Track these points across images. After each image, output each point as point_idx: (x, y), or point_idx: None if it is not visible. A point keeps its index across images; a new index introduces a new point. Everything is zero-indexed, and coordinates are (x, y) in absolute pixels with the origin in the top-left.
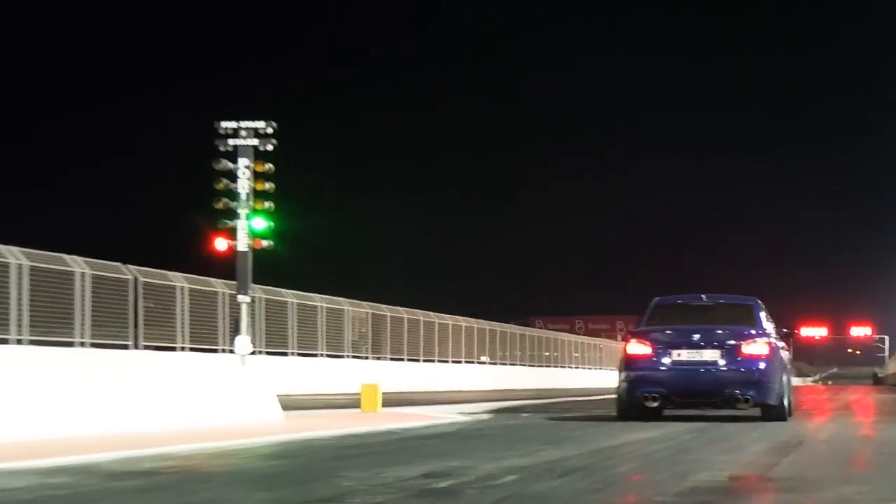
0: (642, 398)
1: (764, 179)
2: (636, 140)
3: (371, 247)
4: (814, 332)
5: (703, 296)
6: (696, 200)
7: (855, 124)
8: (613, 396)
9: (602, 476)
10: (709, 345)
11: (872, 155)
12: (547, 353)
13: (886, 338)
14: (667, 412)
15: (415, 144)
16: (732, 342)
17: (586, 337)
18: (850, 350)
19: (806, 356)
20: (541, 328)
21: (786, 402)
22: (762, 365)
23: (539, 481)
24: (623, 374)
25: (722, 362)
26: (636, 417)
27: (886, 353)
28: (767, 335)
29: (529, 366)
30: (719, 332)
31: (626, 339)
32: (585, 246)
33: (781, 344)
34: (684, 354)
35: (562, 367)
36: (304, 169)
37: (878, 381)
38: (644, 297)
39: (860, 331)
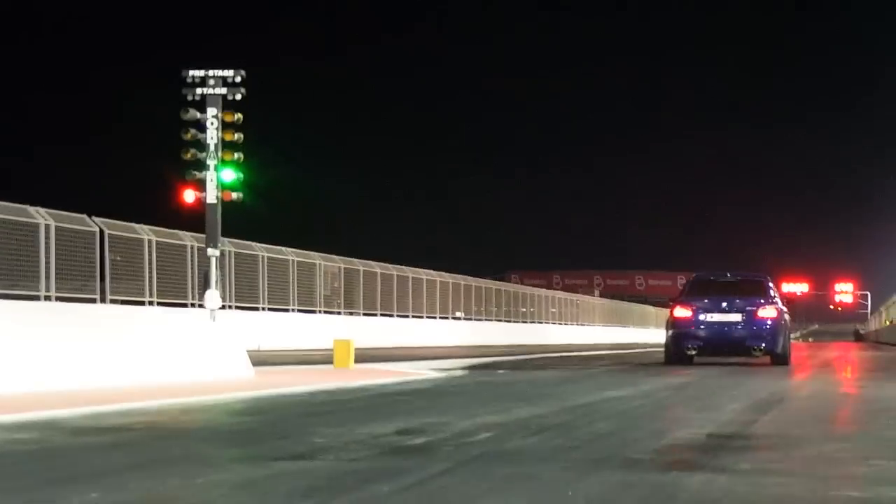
0: (685, 349)
1: (748, 136)
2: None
3: (345, 201)
4: (796, 287)
5: (727, 273)
6: (679, 156)
7: (846, 77)
8: (591, 353)
9: (578, 433)
10: (732, 310)
11: (863, 108)
12: (524, 309)
13: (869, 294)
14: (698, 360)
15: (388, 96)
16: (750, 308)
17: (563, 292)
18: (832, 307)
19: (788, 312)
20: (517, 283)
21: (787, 352)
22: (770, 325)
23: (514, 438)
24: (670, 332)
25: (742, 323)
26: (679, 363)
27: (868, 310)
28: (774, 303)
29: (505, 321)
30: (739, 301)
31: (672, 306)
32: (564, 201)
33: (785, 308)
34: (715, 317)
35: (539, 322)
36: (278, 119)
37: (859, 337)
38: (621, 253)
39: (843, 287)
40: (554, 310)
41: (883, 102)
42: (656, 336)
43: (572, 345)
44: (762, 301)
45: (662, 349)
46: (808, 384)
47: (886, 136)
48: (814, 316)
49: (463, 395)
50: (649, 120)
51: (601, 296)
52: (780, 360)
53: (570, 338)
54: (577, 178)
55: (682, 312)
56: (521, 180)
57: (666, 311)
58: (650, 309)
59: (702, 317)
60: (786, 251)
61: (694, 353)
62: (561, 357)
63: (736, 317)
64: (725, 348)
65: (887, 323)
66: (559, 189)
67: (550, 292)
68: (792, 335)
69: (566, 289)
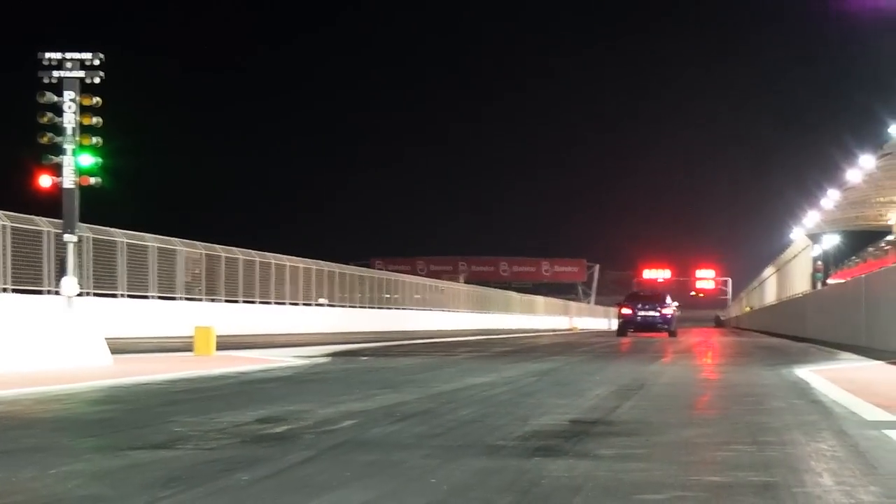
0: (626, 329)
1: (605, 118)
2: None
3: (208, 186)
4: (657, 273)
5: (648, 290)
6: (531, 142)
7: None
8: (456, 339)
9: (442, 420)
10: (650, 308)
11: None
12: (388, 296)
13: (730, 281)
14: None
15: (256, 81)
16: (658, 306)
17: (428, 279)
18: (693, 293)
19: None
20: (381, 269)
21: (676, 329)
22: (668, 316)
23: (378, 426)
24: (620, 319)
25: (655, 315)
26: (622, 335)
27: (729, 297)
28: (670, 304)
29: (370, 308)
30: (653, 303)
31: (619, 306)
32: (429, 188)
33: (676, 304)
34: (642, 312)
35: (404, 309)
36: (137, 104)
37: (720, 323)
38: (476, 239)
39: (704, 274)
40: (418, 296)
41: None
42: (521, 322)
43: (438, 331)
44: (664, 303)
45: (528, 335)
46: (669, 370)
47: (744, 122)
48: (675, 302)
49: (326, 382)
50: (524, 103)
51: (466, 282)
52: (673, 334)
53: (436, 324)
54: (435, 158)
55: (626, 310)
56: (383, 166)
57: (530, 296)
58: (514, 295)
59: (636, 311)
60: (650, 239)
61: (631, 329)
62: (426, 343)
63: (653, 312)
64: (648, 328)
65: (747, 309)
66: (422, 176)
67: (415, 278)
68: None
69: (431, 275)
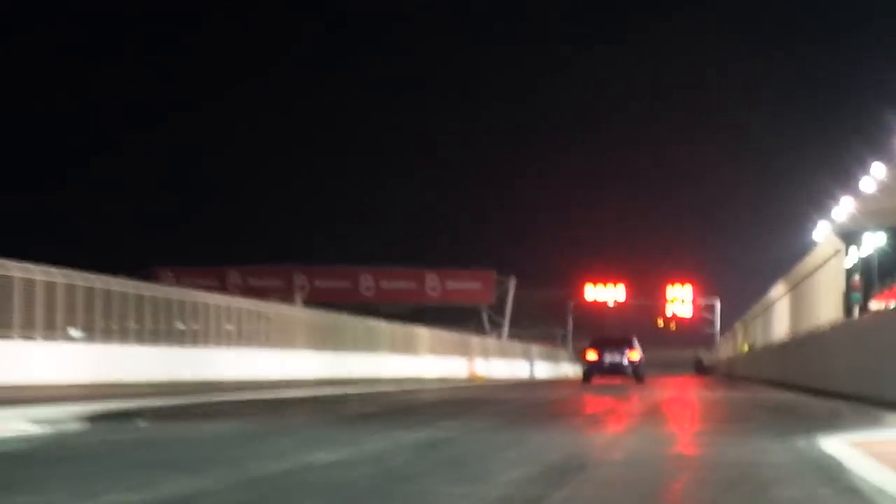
0: (592, 375)
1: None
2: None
3: None
4: (605, 293)
5: (613, 334)
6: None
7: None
8: (292, 394)
9: None
10: (616, 352)
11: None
12: (182, 326)
13: (717, 304)
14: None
15: None
16: (624, 350)
17: (247, 300)
18: (661, 322)
19: (592, 330)
20: (172, 284)
21: (642, 374)
22: (636, 360)
23: None
24: (586, 365)
25: (620, 360)
26: (587, 381)
27: (716, 329)
28: (636, 347)
29: (152, 344)
30: (619, 347)
31: (584, 351)
32: (258, 165)
33: (640, 350)
34: (609, 357)
35: (206, 346)
36: None
37: (702, 369)
38: (326, 242)
39: (677, 293)
40: (231, 326)
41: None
42: (393, 366)
43: (261, 381)
44: (631, 347)
45: (404, 387)
46: (623, 442)
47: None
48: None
49: (80, 461)
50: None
51: (307, 304)
52: (640, 379)
53: (258, 369)
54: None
55: (592, 355)
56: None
57: (407, 328)
58: (383, 326)
59: (602, 356)
60: (597, 243)
61: (597, 375)
62: (243, 401)
63: (619, 356)
64: (614, 372)
65: (744, 348)
66: (244, 149)
67: (226, 298)
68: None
69: (251, 293)
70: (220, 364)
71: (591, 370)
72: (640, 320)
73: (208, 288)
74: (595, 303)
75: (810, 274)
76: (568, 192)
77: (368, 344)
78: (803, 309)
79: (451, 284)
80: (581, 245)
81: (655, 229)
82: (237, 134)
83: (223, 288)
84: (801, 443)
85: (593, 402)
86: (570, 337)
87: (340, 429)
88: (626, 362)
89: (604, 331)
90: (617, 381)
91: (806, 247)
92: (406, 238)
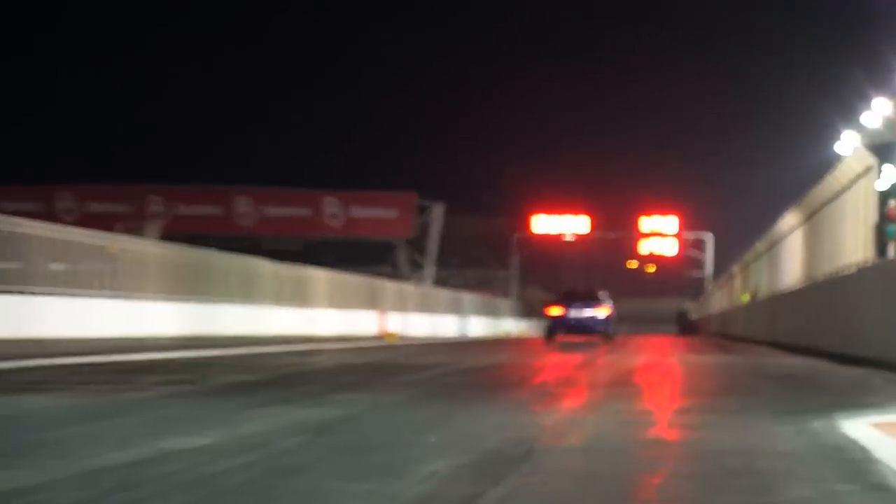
0: (556, 332)
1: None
2: None
3: None
4: (561, 224)
5: (580, 288)
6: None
7: None
8: (142, 357)
9: None
10: (583, 307)
11: None
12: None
13: (709, 239)
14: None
15: None
16: (593, 306)
17: (83, 230)
18: (634, 264)
19: (543, 275)
20: None
21: (612, 333)
22: (606, 317)
23: None
24: (550, 321)
25: (588, 316)
26: (550, 339)
27: (707, 271)
28: (605, 304)
29: None
30: (586, 301)
31: (548, 306)
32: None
33: (609, 301)
34: (575, 313)
35: (27, 292)
36: None
37: (687, 326)
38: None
39: (658, 225)
40: (59, 265)
41: None
42: (279, 320)
43: (101, 339)
44: (599, 303)
45: (294, 347)
46: (582, 422)
47: None
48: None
49: None
50: None
51: (165, 237)
52: (609, 338)
53: (97, 324)
54: None
55: (557, 311)
56: None
57: (297, 269)
58: (265, 266)
59: (568, 312)
60: (551, 160)
61: (562, 332)
62: (76, 365)
63: (587, 312)
64: (581, 331)
65: (744, 298)
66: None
67: (53, 228)
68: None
69: (90, 222)
70: (45, 316)
71: (555, 327)
72: (608, 261)
73: (32, 214)
74: (548, 237)
75: (832, 199)
76: (514, 97)
77: (247, 291)
78: (822, 246)
79: (358, 212)
80: (531, 162)
81: (628, 143)
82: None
83: (51, 214)
84: (816, 424)
85: (544, 369)
86: (514, 283)
87: (207, 404)
88: (594, 318)
89: (559, 273)
90: (581, 339)
91: (826, 164)
92: (299, 152)
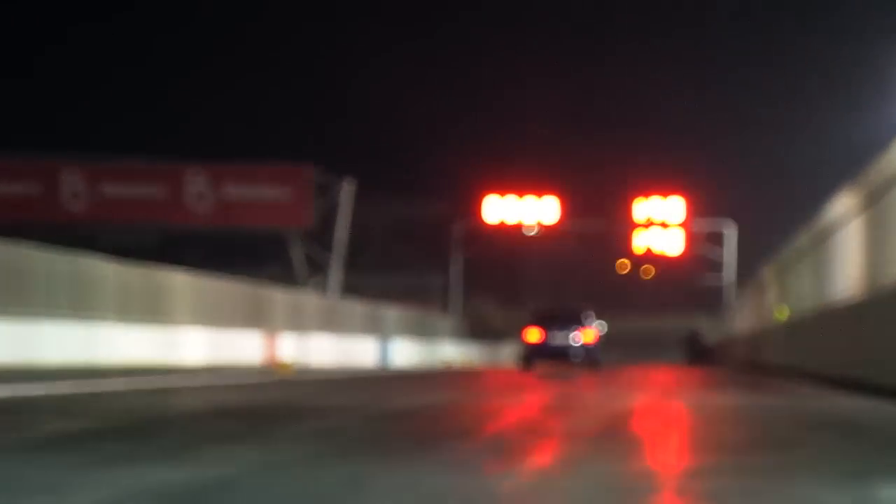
0: (533, 361)
1: None
2: None
3: None
4: (520, 212)
5: (558, 307)
6: None
7: None
8: None
9: None
10: (562, 330)
11: None
12: None
13: (733, 228)
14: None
15: None
16: (575, 329)
17: None
18: (624, 265)
19: (497, 282)
20: None
21: (599, 362)
22: (591, 343)
23: None
24: (527, 348)
25: (568, 342)
26: (527, 368)
27: (728, 275)
28: (591, 325)
29: None
30: (568, 325)
31: (525, 329)
32: None
33: (597, 323)
34: (554, 338)
35: None
36: None
37: (699, 353)
38: None
39: (658, 210)
40: None
41: None
42: (129, 343)
43: None
44: (580, 326)
45: (147, 381)
46: (554, 491)
47: None
48: (579, 291)
49: None
50: None
51: None
52: (596, 365)
53: None
54: None
55: (534, 338)
56: None
57: (159, 272)
58: (106, 270)
59: (549, 339)
60: (500, 123)
61: (538, 360)
62: None
63: (565, 337)
64: (559, 357)
65: (782, 314)
66: None
67: None
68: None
69: None
70: None
71: (532, 355)
72: (589, 263)
73: None
74: (503, 228)
75: None
76: (457, 40)
77: (79, 303)
78: (889, 239)
79: (235, 191)
80: (482, 125)
81: (616, 97)
82: None
83: None
84: (882, 492)
85: (502, 412)
86: (457, 293)
87: (24, 463)
88: (577, 345)
89: (520, 280)
90: (553, 370)
91: (886, 135)
92: (157, 117)
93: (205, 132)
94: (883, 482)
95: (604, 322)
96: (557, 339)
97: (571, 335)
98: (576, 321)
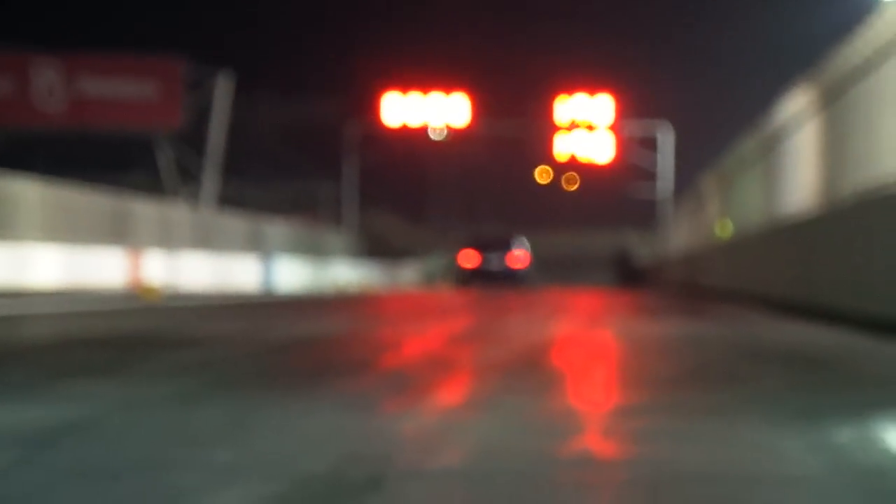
0: (470, 279)
1: None
2: None
3: None
4: (424, 113)
5: (490, 233)
6: None
7: None
8: None
9: None
10: (496, 254)
11: None
12: None
13: (670, 131)
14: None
15: None
16: (507, 253)
17: None
18: (545, 174)
19: (397, 193)
20: None
21: (532, 280)
22: (523, 267)
23: None
24: (463, 273)
25: (501, 265)
26: (465, 286)
27: (664, 185)
28: (521, 250)
29: None
30: (500, 250)
31: (460, 253)
32: None
33: (526, 248)
34: (489, 263)
35: None
36: None
37: (631, 275)
38: None
39: (584, 109)
40: None
41: None
42: None
43: None
44: (512, 252)
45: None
46: (464, 429)
47: None
48: (479, 208)
49: None
50: None
51: None
52: (526, 285)
53: None
54: None
55: (468, 263)
56: None
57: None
58: None
59: (484, 263)
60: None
61: (476, 280)
62: None
63: (500, 261)
64: (494, 279)
65: (724, 230)
66: None
67: None
68: (410, 273)
69: None
70: None
71: (469, 277)
72: (505, 171)
73: None
74: (405, 132)
75: (865, 71)
76: None
77: None
78: (850, 144)
79: (92, 87)
80: (379, 15)
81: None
82: None
83: None
84: (842, 434)
85: (404, 343)
86: (352, 205)
87: None
88: (510, 269)
89: (424, 189)
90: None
91: (856, 17)
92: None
93: (57, 17)
94: (837, 421)
95: (524, 238)
96: (492, 263)
97: (505, 258)
98: (508, 245)
